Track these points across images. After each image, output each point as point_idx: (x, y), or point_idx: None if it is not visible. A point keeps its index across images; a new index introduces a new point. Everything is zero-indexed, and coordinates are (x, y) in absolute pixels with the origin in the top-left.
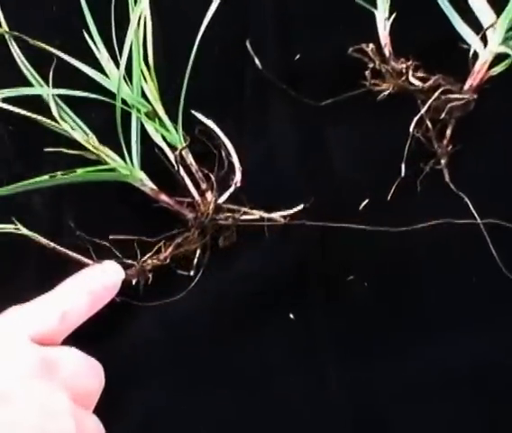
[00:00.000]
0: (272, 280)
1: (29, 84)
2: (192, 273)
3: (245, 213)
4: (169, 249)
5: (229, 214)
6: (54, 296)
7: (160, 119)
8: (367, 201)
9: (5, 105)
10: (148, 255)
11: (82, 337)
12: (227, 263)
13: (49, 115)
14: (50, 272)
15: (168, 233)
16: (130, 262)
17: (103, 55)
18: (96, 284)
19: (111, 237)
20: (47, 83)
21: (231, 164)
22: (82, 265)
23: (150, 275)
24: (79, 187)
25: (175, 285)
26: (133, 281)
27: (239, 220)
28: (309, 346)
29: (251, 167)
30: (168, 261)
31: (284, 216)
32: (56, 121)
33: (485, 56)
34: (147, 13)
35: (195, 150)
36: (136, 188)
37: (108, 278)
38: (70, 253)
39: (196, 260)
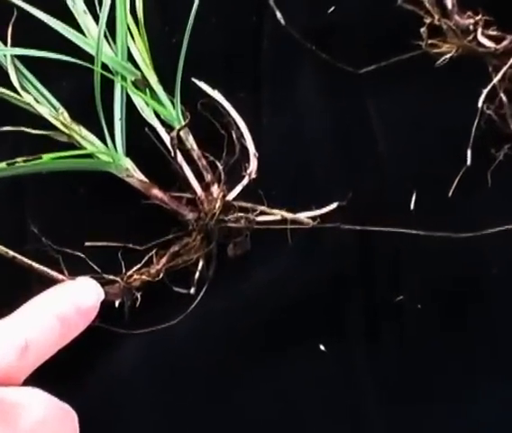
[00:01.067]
0: (297, 302)
1: None
2: (193, 291)
3: (262, 213)
4: (163, 260)
5: (241, 214)
6: (12, 322)
7: (151, 90)
8: (420, 198)
9: None
10: (135, 268)
11: (50, 375)
12: (238, 279)
13: (6, 83)
14: (7, 291)
15: (161, 238)
16: (112, 277)
17: (78, 6)
18: (67, 307)
19: (87, 244)
20: (4, 42)
21: (243, 149)
22: (50, 281)
23: (139, 295)
24: (46, 178)
25: (170, 307)
26: (116, 303)
27: (254, 222)
28: (345, 388)
29: (271, 153)
30: (161, 275)
31: (313, 218)
32: (16, 91)
33: None
34: None
35: (197, 130)
36: (120, 180)
37: (83, 298)
38: (34, 264)
39: (197, 274)
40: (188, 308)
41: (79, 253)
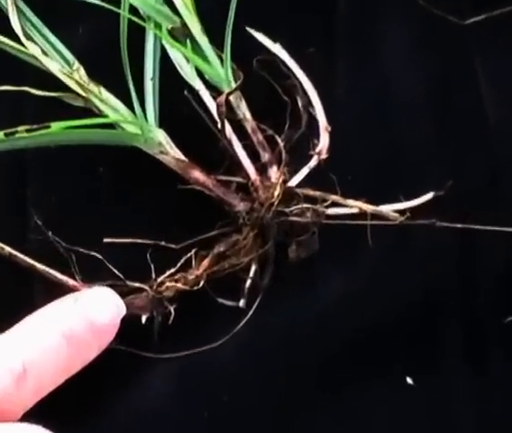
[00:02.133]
0: (377, 321)
1: None
2: (242, 304)
3: (335, 204)
4: (205, 263)
5: (307, 205)
6: (7, 341)
7: (193, 41)
8: None
9: None
10: (168, 273)
11: (56, 410)
12: (301, 290)
13: (6, 30)
14: (4, 301)
15: (202, 235)
16: (137, 285)
17: None
18: (77, 322)
19: (106, 241)
20: None
21: (311, 120)
22: (57, 289)
23: (172, 308)
24: (55, 155)
25: (212, 324)
26: (143, 318)
27: (324, 216)
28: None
29: (347, 126)
30: (202, 283)
31: (401, 212)
32: (19, 41)
33: None
34: None
35: (252, 95)
36: (151, 158)
37: (99, 312)
38: (37, 265)
39: (249, 282)
40: (236, 325)
41: (95, 254)
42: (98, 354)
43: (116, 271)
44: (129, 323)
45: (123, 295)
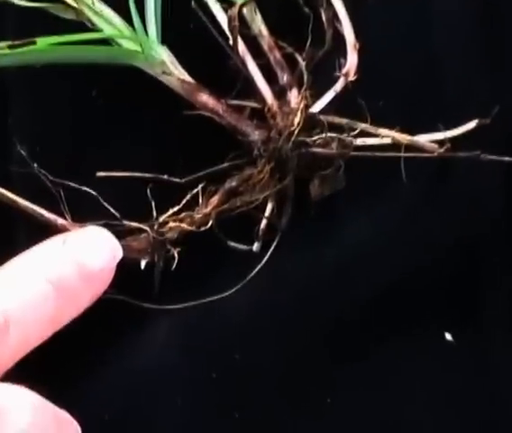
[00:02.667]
0: (409, 269)
1: None
2: (256, 248)
3: (364, 133)
4: (214, 200)
5: (332, 134)
6: None
7: None
8: None
9: None
10: (171, 212)
11: (44, 368)
12: (324, 234)
13: None
14: None
15: (211, 168)
16: (136, 225)
17: None
18: (66, 267)
19: (100, 175)
20: None
21: (337, 36)
22: (43, 229)
23: (176, 252)
24: (41, 76)
25: (221, 271)
26: (143, 263)
27: (351, 147)
28: (481, 393)
29: (379, 43)
30: (210, 223)
31: (440, 142)
32: None
33: None
34: None
35: (268, 7)
36: (152, 79)
37: (91, 256)
38: (20, 201)
39: (264, 223)
40: (249, 273)
41: (88, 189)
42: (91, 304)
43: (112, 209)
44: (126, 269)
45: (119, 236)
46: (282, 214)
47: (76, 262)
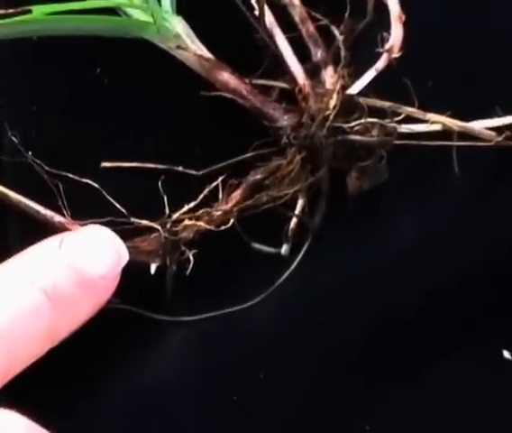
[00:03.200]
0: (461, 274)
1: None
2: (285, 251)
3: (410, 119)
4: (236, 195)
5: (373, 120)
6: None
7: None
8: None
9: None
10: (186, 208)
11: (36, 389)
12: (363, 235)
13: None
14: None
15: (233, 158)
16: (146, 223)
17: None
18: (62, 273)
19: (104, 165)
20: None
21: (380, 6)
22: (37, 228)
23: (191, 254)
24: (36, 50)
25: (243, 277)
26: (153, 267)
27: (395, 134)
28: None
29: (428, 15)
30: (231, 221)
31: (497, 130)
32: None
33: None
34: None
35: None
36: (165, 55)
37: (94, 260)
38: (12, 195)
39: (294, 221)
40: (275, 279)
41: (90, 181)
42: (92, 315)
43: (117, 205)
44: (133, 274)
45: (125, 237)
46: (315, 211)
47: (74, 268)
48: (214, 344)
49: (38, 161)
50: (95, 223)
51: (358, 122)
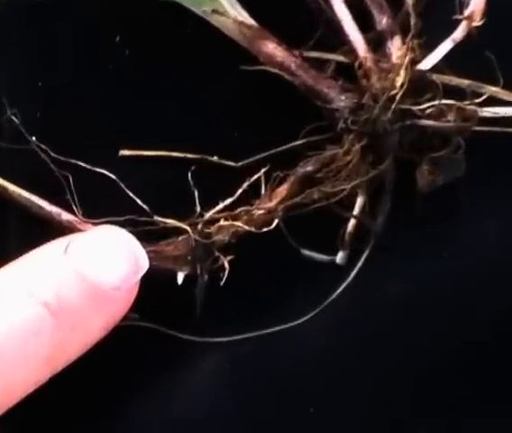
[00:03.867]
0: None
1: None
2: (341, 259)
3: (493, 101)
4: (282, 190)
5: (449, 101)
6: None
7: None
8: None
9: None
10: (222, 205)
11: (45, 422)
12: (435, 238)
13: None
14: None
15: (278, 147)
16: (172, 223)
17: None
18: (71, 285)
19: (123, 154)
20: None
21: None
22: (41, 228)
23: (226, 261)
24: (41, 14)
25: (292, 290)
26: (180, 277)
27: (475, 119)
28: None
29: None
30: (276, 222)
31: None
32: None
33: None
34: None
35: None
36: (198, 21)
37: (106, 268)
38: (12, 188)
39: (352, 223)
40: (329, 293)
41: (105, 172)
42: (105, 334)
43: (138, 201)
44: (157, 284)
45: (147, 239)
46: (377, 212)
47: (82, 276)
48: (253, 369)
49: (43, 146)
50: (110, 223)
51: (430, 104)
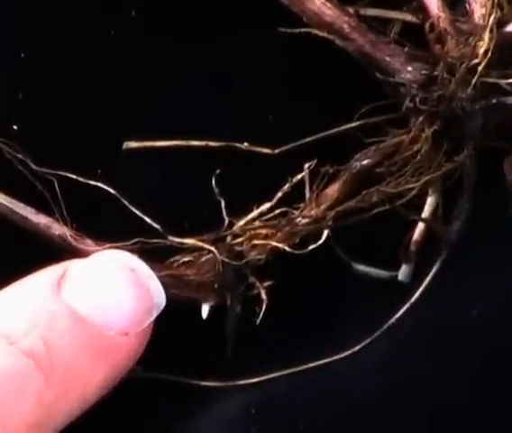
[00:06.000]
0: None
1: None
2: (404, 276)
3: None
4: (333, 191)
5: None
6: None
7: None
8: None
9: None
10: (256, 212)
11: None
12: None
13: None
14: None
15: (325, 132)
16: (191, 241)
17: None
18: (64, 331)
19: (128, 146)
20: None
21: None
22: (27, 249)
23: (263, 288)
24: None
25: (342, 317)
26: (205, 309)
27: None
28: None
29: None
30: (326, 234)
31: None
32: None
33: None
34: None
35: None
36: None
37: (110, 308)
38: (9, 205)
39: (420, 229)
40: (388, 317)
41: (101, 184)
42: (108, 390)
43: (147, 219)
44: (175, 319)
45: (161, 264)
46: (453, 215)
47: (79, 319)
48: (285, 413)
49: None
50: (114, 245)
51: None
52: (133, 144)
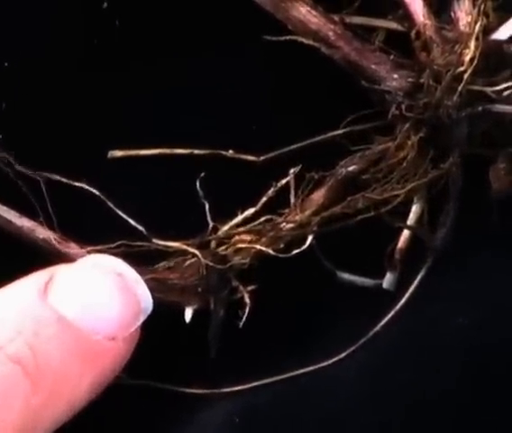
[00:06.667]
0: None
1: None
2: (388, 284)
3: None
4: (318, 196)
5: None
6: None
7: None
8: None
9: None
10: (240, 217)
11: None
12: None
13: None
14: None
15: (311, 139)
16: (176, 245)
17: None
18: (50, 337)
19: (113, 155)
20: None
21: None
22: (12, 254)
23: (246, 292)
24: None
25: (325, 325)
26: (188, 313)
27: None
28: None
29: None
30: (310, 240)
31: None
32: None
33: None
34: None
35: None
36: None
37: (96, 313)
38: None
39: (404, 236)
40: (372, 326)
41: (85, 185)
42: (94, 397)
43: (132, 221)
44: (160, 324)
45: (145, 268)
46: (438, 222)
47: (66, 324)
48: (268, 422)
49: (6, 159)
50: (98, 249)
51: (508, 84)
52: (118, 153)
